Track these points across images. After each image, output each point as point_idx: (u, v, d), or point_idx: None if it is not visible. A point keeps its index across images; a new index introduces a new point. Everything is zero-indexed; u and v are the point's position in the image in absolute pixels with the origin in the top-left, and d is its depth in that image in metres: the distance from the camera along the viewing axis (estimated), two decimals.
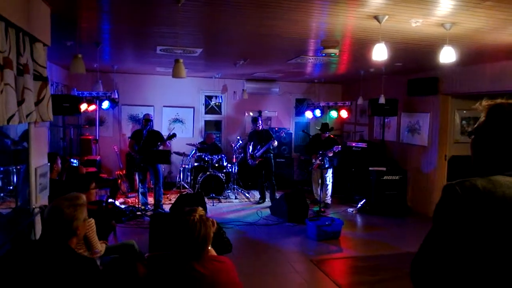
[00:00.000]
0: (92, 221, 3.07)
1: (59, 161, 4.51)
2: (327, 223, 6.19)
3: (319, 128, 8.23)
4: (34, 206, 3.33)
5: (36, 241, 2.15)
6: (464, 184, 1.40)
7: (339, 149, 7.58)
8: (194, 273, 2.22)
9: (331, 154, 7.60)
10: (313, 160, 7.80)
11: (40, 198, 3.49)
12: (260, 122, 8.24)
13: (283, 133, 8.33)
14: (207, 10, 3.72)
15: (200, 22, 4.22)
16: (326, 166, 7.65)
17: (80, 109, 7.09)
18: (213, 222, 2.46)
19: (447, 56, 4.06)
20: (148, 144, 6.98)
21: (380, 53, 3.80)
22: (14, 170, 5.70)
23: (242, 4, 3.46)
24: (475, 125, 1.57)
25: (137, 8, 3.68)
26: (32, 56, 3.03)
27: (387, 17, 3.64)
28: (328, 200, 8.03)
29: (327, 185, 7.93)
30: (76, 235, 2.12)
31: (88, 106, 7.81)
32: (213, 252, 2.49)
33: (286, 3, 3.41)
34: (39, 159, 3.50)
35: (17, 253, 2.07)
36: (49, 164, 3.76)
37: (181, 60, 3.38)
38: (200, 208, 2.52)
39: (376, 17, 3.66)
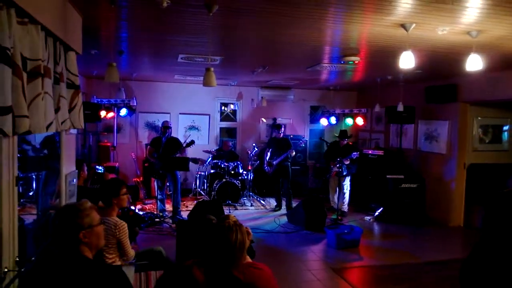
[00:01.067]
0: (125, 225, 3.09)
1: (85, 168, 4.56)
2: (346, 231, 6.15)
3: (337, 135, 8.22)
4: None
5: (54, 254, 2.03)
6: None
7: (357, 155, 7.55)
8: (233, 280, 2.22)
9: (347, 162, 7.57)
10: (331, 167, 7.78)
11: None
12: (282, 129, 8.27)
13: (302, 143, 8.37)
14: (233, 18, 3.76)
15: (224, 30, 4.26)
16: (344, 173, 7.62)
17: (100, 116, 7.16)
18: (247, 230, 2.46)
19: (474, 64, 4.04)
20: (167, 151, 7.03)
21: (407, 61, 3.80)
22: (34, 176, 5.76)
23: (265, 12, 3.50)
24: None
25: (165, 17, 3.73)
26: (66, 64, 3.09)
27: (414, 25, 3.64)
28: (345, 208, 7.99)
29: (344, 193, 7.89)
30: (83, 243, 1.99)
31: (107, 114, 7.90)
32: (249, 259, 2.49)
33: (312, 12, 3.43)
34: (68, 166, 3.55)
35: (39, 267, 2.03)
36: (77, 171, 3.80)
37: (212, 69, 3.41)
38: (232, 215, 2.53)
39: (403, 25, 3.66)
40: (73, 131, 3.67)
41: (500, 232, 1.41)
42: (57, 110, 2.78)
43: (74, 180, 3.80)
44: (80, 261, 1.97)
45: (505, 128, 7.71)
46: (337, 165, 7.55)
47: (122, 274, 2.09)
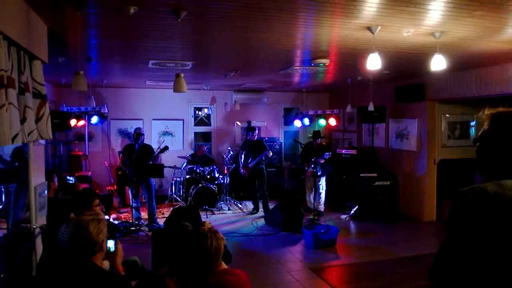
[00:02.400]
0: None
1: (56, 179, 4.45)
2: (323, 231, 6.22)
3: (311, 136, 8.33)
4: (34, 226, 3.28)
5: (60, 262, 2.21)
6: (475, 189, 1.45)
7: (329, 155, 7.65)
8: (208, 286, 2.21)
9: (322, 161, 7.67)
10: (306, 168, 7.87)
11: (39, 217, 3.44)
12: (257, 132, 8.29)
13: (277, 145, 8.44)
14: (202, 23, 3.76)
15: (194, 35, 4.25)
16: (319, 173, 7.71)
17: (70, 125, 7.00)
18: (222, 237, 2.46)
19: (438, 63, 4.18)
20: (140, 159, 6.93)
21: (374, 63, 3.89)
22: (3, 189, 5.57)
23: (234, 16, 3.51)
24: (479, 133, 1.63)
25: (132, 23, 3.69)
26: (31, 74, 3.01)
27: (380, 27, 3.74)
28: (321, 208, 8.08)
29: (320, 193, 7.98)
30: (103, 250, 2.22)
31: (77, 122, 7.73)
32: (225, 265, 2.49)
33: (281, 16, 3.47)
34: (38, 178, 3.45)
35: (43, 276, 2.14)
36: (47, 182, 3.70)
37: (182, 75, 3.39)
38: (208, 222, 2.53)
39: (369, 28, 3.75)
40: (42, 141, 3.57)
41: (465, 231, 1.45)
42: (23, 121, 2.71)
43: (45, 192, 3.70)
44: (96, 271, 2.18)
45: (472, 124, 8.00)
46: (312, 166, 7.64)
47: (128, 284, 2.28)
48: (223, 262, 2.46)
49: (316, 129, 8.61)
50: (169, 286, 1.80)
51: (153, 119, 9.60)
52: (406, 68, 6.39)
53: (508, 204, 1.40)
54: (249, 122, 10.12)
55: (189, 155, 9.15)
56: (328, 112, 9.65)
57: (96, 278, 2.13)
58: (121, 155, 7.38)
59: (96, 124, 8.28)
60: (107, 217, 6.17)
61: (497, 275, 1.41)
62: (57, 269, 2.16)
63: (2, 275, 2.36)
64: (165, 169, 7.41)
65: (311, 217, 7.50)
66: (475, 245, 1.40)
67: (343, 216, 7.95)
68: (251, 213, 8.28)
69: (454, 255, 1.44)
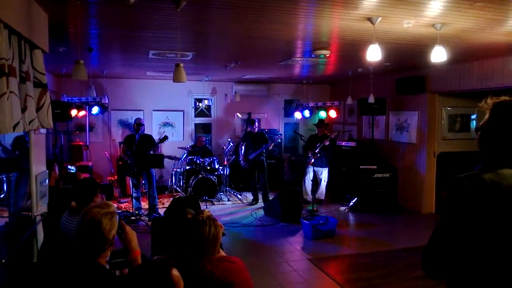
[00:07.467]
0: None
1: (57, 168, 4.48)
2: (321, 222, 6.26)
3: (315, 124, 8.55)
4: (36, 214, 3.31)
5: (63, 258, 2.08)
6: (472, 177, 1.47)
7: (335, 134, 8.09)
8: (205, 273, 2.25)
9: (327, 143, 7.81)
10: (309, 155, 7.92)
11: (40, 206, 3.47)
12: (257, 124, 8.31)
13: (279, 138, 8.53)
14: (202, 13, 3.76)
15: (194, 25, 4.24)
16: (323, 159, 7.90)
17: (71, 115, 7.02)
18: (220, 225, 2.50)
19: (438, 55, 4.18)
20: (141, 149, 6.96)
21: (374, 54, 3.89)
22: (5, 178, 5.59)
23: (235, 7, 3.51)
24: (481, 122, 1.64)
25: (132, 13, 3.69)
26: (32, 63, 3.02)
27: (380, 18, 3.73)
28: (322, 196, 8.15)
29: (321, 184, 8.08)
30: (112, 244, 2.05)
31: (78, 112, 7.75)
32: (223, 253, 2.53)
33: (282, 6, 3.47)
34: (38, 166, 3.48)
35: (45, 272, 2.05)
36: (47, 171, 3.73)
37: (182, 65, 3.40)
38: (207, 210, 2.57)
39: (370, 19, 3.75)
40: (43, 130, 3.59)
41: (459, 216, 1.48)
42: (24, 109, 2.72)
43: (46, 181, 3.73)
44: (100, 271, 2.00)
45: (473, 117, 7.99)
46: (317, 150, 7.76)
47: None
48: (221, 250, 2.49)
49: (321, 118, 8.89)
50: (174, 275, 1.80)
51: (154, 110, 9.61)
52: (407, 60, 6.38)
53: (503, 193, 1.42)
54: (249, 114, 10.11)
55: (189, 146, 9.18)
56: (328, 104, 9.66)
57: (99, 279, 1.97)
58: (122, 145, 7.41)
59: (96, 114, 8.31)
60: None
61: (487, 261, 1.43)
62: (60, 264, 2.05)
63: (3, 261, 2.39)
64: (165, 159, 7.45)
65: (310, 207, 7.55)
66: (468, 231, 1.43)
67: (342, 208, 7.99)
68: (251, 204, 8.32)
69: (446, 239, 1.47)
